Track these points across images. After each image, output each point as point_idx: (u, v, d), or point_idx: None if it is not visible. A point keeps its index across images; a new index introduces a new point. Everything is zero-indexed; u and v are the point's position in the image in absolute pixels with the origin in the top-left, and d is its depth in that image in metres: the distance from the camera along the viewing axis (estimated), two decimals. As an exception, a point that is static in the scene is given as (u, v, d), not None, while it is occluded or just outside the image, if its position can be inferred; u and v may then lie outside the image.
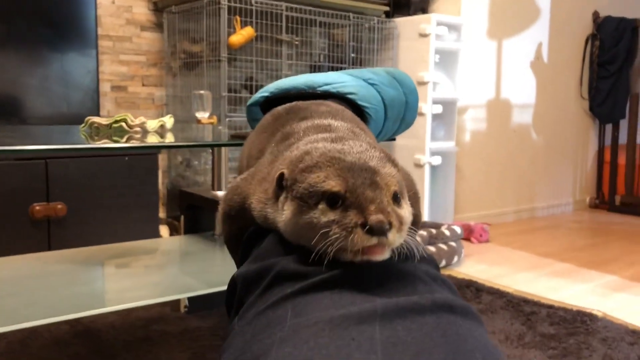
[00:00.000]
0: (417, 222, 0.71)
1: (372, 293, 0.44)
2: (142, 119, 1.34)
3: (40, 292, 1.36)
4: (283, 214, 0.53)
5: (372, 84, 1.20)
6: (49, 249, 2.16)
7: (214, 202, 1.64)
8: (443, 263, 2.32)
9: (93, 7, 2.47)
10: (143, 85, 2.76)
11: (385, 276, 0.47)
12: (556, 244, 2.87)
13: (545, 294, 2.02)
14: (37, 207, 2.13)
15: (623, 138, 3.73)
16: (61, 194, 2.16)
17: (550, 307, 1.83)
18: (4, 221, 2.08)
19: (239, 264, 0.66)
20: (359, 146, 0.53)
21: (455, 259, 2.38)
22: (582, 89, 3.69)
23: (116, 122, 1.32)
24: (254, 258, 0.56)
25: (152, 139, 1.34)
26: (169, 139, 1.40)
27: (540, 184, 3.57)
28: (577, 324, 1.70)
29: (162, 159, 2.70)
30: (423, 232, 2.34)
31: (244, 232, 0.66)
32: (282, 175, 0.54)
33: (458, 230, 2.46)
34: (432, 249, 2.31)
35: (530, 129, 3.46)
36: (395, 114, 1.24)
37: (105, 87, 2.64)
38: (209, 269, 1.58)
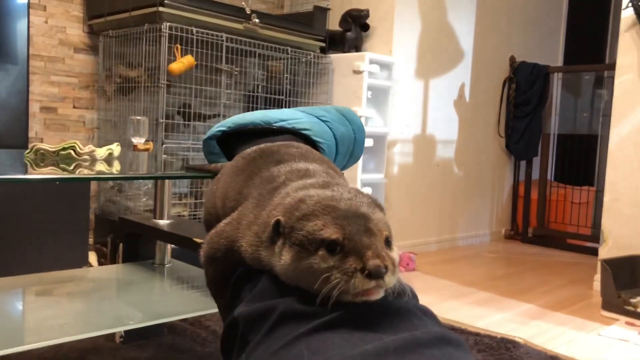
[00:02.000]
0: None
1: (378, 330, 0.49)
2: (90, 147, 1.33)
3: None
4: (281, 259, 0.57)
5: (324, 121, 1.26)
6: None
7: (155, 230, 1.63)
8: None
9: (25, 26, 2.40)
10: (74, 107, 2.70)
11: (385, 314, 0.52)
12: (476, 273, 3.02)
13: (471, 321, 2.13)
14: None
15: (536, 174, 4.00)
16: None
17: (477, 334, 1.94)
18: None
19: (226, 304, 0.69)
20: (347, 192, 0.58)
21: (386, 288, 2.46)
22: (499, 128, 3.94)
23: (64, 149, 1.31)
24: (252, 298, 0.59)
25: (101, 167, 1.33)
26: (116, 167, 1.39)
27: (461, 216, 3.76)
28: (502, 350, 1.81)
29: (92, 183, 2.64)
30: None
31: (229, 274, 0.69)
32: (278, 222, 0.57)
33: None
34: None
35: (452, 163, 3.65)
36: (345, 149, 1.30)
37: (34, 107, 2.56)
38: (148, 300, 1.56)
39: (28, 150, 1.33)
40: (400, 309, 0.53)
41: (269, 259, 0.60)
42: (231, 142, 1.21)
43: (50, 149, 1.31)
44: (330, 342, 0.47)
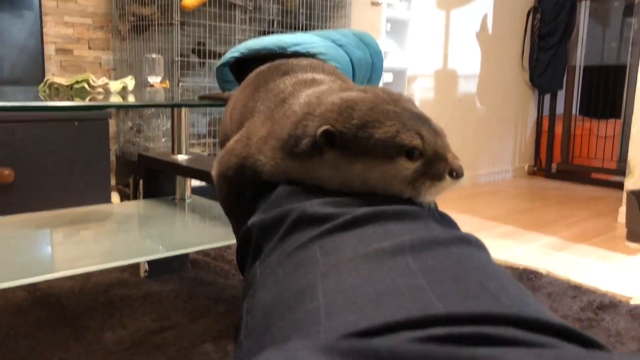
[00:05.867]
0: None
1: (394, 231, 0.47)
2: (104, 79, 1.32)
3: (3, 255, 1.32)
4: (341, 170, 0.54)
5: (340, 45, 1.22)
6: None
7: (174, 165, 1.63)
8: (395, 227, 2.39)
9: (35, -35, 2.36)
10: (89, 48, 2.67)
11: (402, 215, 0.50)
12: (499, 208, 3.00)
13: (493, 254, 2.12)
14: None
15: (560, 108, 3.90)
16: (8, 160, 2.08)
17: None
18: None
19: (239, 221, 0.67)
20: (381, 92, 0.55)
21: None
22: (523, 60, 3.82)
23: (77, 82, 1.29)
24: (267, 207, 0.57)
25: (115, 100, 1.32)
26: (131, 100, 1.38)
27: (483, 152, 3.70)
28: (524, 281, 1.80)
29: (111, 124, 2.64)
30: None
31: (241, 192, 0.67)
32: (328, 132, 0.53)
33: (409, 195, 2.53)
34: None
35: (474, 98, 3.57)
36: (362, 75, 1.27)
37: (49, 49, 2.54)
38: (170, 233, 1.58)
39: (42, 85, 1.32)
40: (417, 211, 0.51)
41: (308, 173, 0.57)
42: (245, 68, 1.19)
43: (64, 83, 1.30)
44: (343, 243, 0.46)
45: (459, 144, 3.51)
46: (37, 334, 1.37)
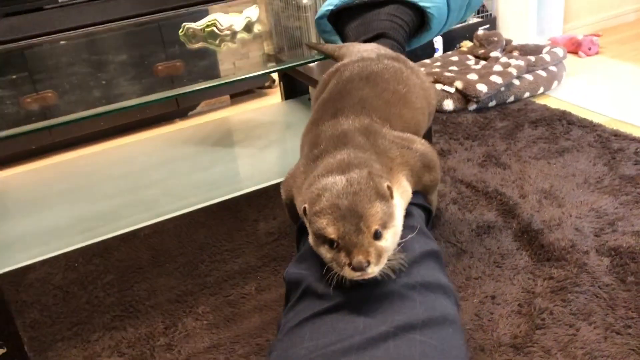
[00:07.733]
0: (432, 187, 0.87)
1: (355, 324, 0.65)
2: (230, 20, 1.48)
3: (187, 176, 1.64)
4: (309, 236, 0.73)
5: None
6: (177, 104, 2.49)
7: (302, 74, 1.78)
8: (541, 90, 2.34)
9: None
10: None
11: (371, 301, 0.67)
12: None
13: (629, 130, 2.02)
14: (160, 67, 2.40)
15: None
16: (176, 52, 2.39)
17: (640, 141, 1.87)
18: (137, 82, 2.39)
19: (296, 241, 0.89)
20: (356, 183, 0.68)
21: (555, 84, 2.38)
22: None
23: (207, 26, 1.48)
24: (297, 259, 0.78)
25: (242, 36, 1.50)
26: (257, 29, 1.54)
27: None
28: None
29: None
30: (520, 62, 2.33)
31: (297, 217, 0.87)
32: (304, 209, 0.72)
33: (560, 52, 2.41)
34: (529, 77, 2.32)
35: None
36: (458, 5, 1.28)
37: None
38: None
39: (181, 30, 1.54)
40: (391, 293, 0.67)
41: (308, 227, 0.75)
42: (341, 17, 1.27)
43: (197, 27, 1.50)
44: (325, 327, 0.65)
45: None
46: (211, 224, 1.74)
